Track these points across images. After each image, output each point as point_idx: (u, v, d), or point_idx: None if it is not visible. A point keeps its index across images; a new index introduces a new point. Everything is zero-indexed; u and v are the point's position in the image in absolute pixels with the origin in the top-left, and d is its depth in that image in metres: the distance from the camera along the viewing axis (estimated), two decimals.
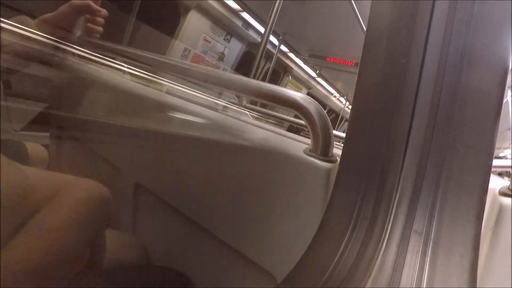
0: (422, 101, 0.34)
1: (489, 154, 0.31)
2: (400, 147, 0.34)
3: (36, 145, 0.89)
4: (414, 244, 0.30)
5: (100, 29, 0.85)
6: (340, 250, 0.32)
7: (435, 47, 0.34)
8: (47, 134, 1.00)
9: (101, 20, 0.85)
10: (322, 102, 5.07)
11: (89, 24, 0.83)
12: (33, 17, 0.73)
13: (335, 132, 1.42)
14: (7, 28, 0.69)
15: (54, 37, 0.77)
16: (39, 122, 1.56)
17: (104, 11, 0.84)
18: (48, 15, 0.75)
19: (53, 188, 0.23)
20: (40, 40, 0.73)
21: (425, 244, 0.29)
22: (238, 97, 2.03)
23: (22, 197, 0.21)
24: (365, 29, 0.39)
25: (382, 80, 0.36)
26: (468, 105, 0.32)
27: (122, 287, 0.51)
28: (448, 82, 0.33)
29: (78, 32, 0.81)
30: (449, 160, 0.32)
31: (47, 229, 0.21)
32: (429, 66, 0.34)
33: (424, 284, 0.27)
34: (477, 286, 0.27)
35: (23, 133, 1.53)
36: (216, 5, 2.52)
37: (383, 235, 0.31)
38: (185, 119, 0.62)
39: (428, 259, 0.29)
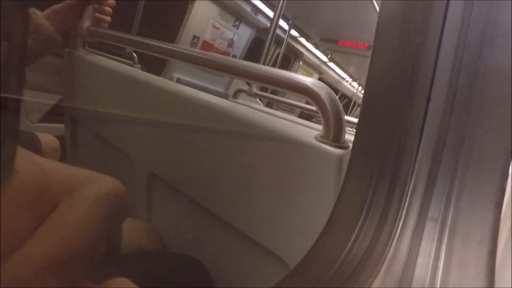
0: (439, 83, 0.32)
1: (510, 138, 0.30)
2: (415, 131, 0.33)
3: (48, 136, 0.91)
4: (430, 231, 0.29)
5: (108, 18, 0.85)
6: (353, 237, 0.32)
7: (454, 25, 0.32)
8: (62, 125, 1.02)
9: (109, 9, 0.85)
10: (334, 87, 4.98)
11: (97, 14, 0.83)
12: (41, 9, 0.73)
13: (347, 117, 1.40)
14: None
15: (63, 28, 0.78)
16: (54, 113, 1.59)
17: (111, 1, 0.83)
18: (56, 6, 0.75)
19: (71, 183, 0.24)
20: (52, 32, 0.73)
21: (441, 231, 0.29)
22: (248, 84, 2.01)
23: (41, 192, 0.21)
24: (378, 9, 0.37)
25: (396, 62, 0.35)
26: (488, 87, 0.30)
27: (139, 273, 0.52)
28: (468, 63, 0.31)
29: (86, 23, 0.81)
30: (467, 145, 0.31)
31: (67, 224, 0.22)
32: (447, 45, 0.32)
33: (440, 272, 0.27)
34: (496, 274, 0.26)
35: (38, 124, 1.57)
36: None
37: (397, 222, 0.30)
38: (196, 108, 0.62)
39: (444, 247, 0.28)
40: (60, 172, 0.24)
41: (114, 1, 0.85)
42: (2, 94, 0.18)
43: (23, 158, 0.20)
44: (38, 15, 0.71)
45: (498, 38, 0.30)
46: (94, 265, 0.24)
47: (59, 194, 0.23)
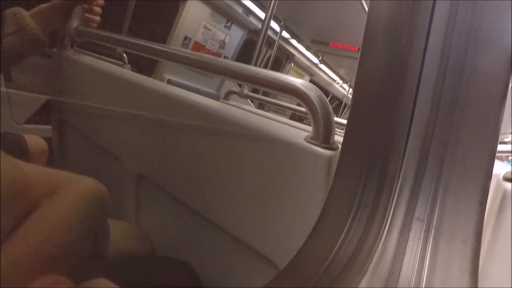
0: (425, 85, 0.33)
1: (494, 139, 0.30)
2: (402, 132, 0.34)
3: (35, 137, 0.90)
4: (416, 231, 0.30)
5: (98, 18, 0.84)
6: (341, 237, 0.32)
7: (440, 27, 0.32)
8: (49, 126, 1.01)
9: (98, 9, 0.83)
10: (325, 89, 5.02)
11: (86, 14, 0.81)
12: (28, 9, 0.72)
13: (337, 119, 1.41)
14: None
15: (51, 28, 0.76)
16: (41, 114, 1.57)
17: (100, 0, 0.82)
18: (43, 6, 0.74)
19: (51, 185, 0.23)
20: (38, 32, 0.72)
21: (427, 231, 0.29)
22: (239, 85, 2.01)
23: (18, 194, 0.21)
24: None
25: (384, 63, 0.35)
26: (473, 88, 0.31)
27: (126, 276, 0.51)
28: (453, 64, 0.32)
29: (75, 23, 0.80)
30: (452, 145, 0.31)
31: (46, 225, 0.21)
32: (433, 47, 0.32)
33: (425, 271, 0.27)
34: (479, 273, 0.26)
35: (25, 126, 1.54)
36: None
37: (384, 222, 0.31)
38: (186, 109, 0.61)
39: (429, 246, 0.28)
40: (39, 174, 0.24)
41: (104, 1, 0.84)
42: None
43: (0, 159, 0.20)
44: (23, 14, 0.70)
45: (482, 40, 0.31)
46: (75, 266, 0.23)
47: (39, 196, 0.23)
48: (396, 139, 0.34)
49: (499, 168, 0.50)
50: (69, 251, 0.22)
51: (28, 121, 1.57)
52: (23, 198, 0.21)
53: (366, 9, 2.07)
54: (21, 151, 0.84)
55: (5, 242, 0.19)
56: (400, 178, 0.32)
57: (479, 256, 0.27)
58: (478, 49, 0.31)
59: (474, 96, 0.31)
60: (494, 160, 0.30)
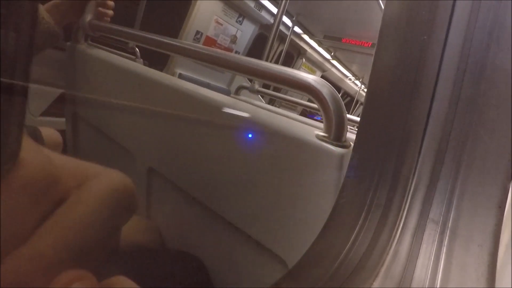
0: (443, 82, 0.32)
1: None
2: (418, 131, 0.33)
3: (50, 130, 0.91)
4: (430, 234, 0.29)
5: (111, 12, 0.85)
6: (352, 237, 0.31)
7: (460, 24, 0.31)
8: (63, 119, 1.02)
9: (111, 3, 0.84)
10: (336, 85, 4.96)
11: (99, 8, 0.82)
12: (43, 3, 0.73)
13: (349, 116, 1.39)
14: None
15: (65, 22, 0.77)
16: (55, 107, 1.60)
17: None
18: (58, 0, 0.75)
19: (80, 177, 0.23)
20: (52, 26, 0.73)
21: (442, 233, 0.28)
22: (250, 80, 2.01)
23: (48, 185, 0.21)
24: (383, 7, 0.37)
25: (400, 60, 0.34)
26: (494, 86, 0.30)
27: (136, 269, 0.52)
28: (473, 62, 0.30)
29: (88, 17, 0.80)
30: (470, 145, 0.30)
31: (75, 219, 0.21)
32: (453, 44, 0.31)
33: (440, 275, 0.26)
34: (497, 277, 0.25)
35: (40, 118, 1.57)
36: None
37: (397, 223, 0.30)
38: (197, 104, 0.61)
39: (444, 249, 0.28)
40: (68, 166, 0.24)
41: None
42: (8, 81, 0.17)
43: (30, 149, 0.19)
44: (39, 8, 0.70)
45: (505, 38, 0.30)
46: (102, 262, 0.23)
47: (67, 188, 0.22)
48: (411, 137, 0.33)
49: None
50: (96, 246, 0.22)
51: (42, 114, 1.60)
52: (52, 190, 0.21)
53: (381, 4, 2.03)
54: (37, 143, 0.86)
55: (32, 235, 0.19)
56: (415, 178, 0.31)
57: (496, 260, 0.26)
58: (500, 47, 0.30)
59: (495, 95, 0.30)
60: None
